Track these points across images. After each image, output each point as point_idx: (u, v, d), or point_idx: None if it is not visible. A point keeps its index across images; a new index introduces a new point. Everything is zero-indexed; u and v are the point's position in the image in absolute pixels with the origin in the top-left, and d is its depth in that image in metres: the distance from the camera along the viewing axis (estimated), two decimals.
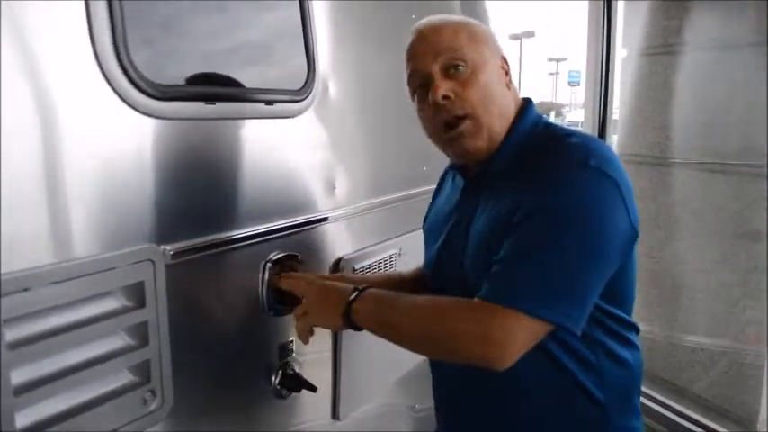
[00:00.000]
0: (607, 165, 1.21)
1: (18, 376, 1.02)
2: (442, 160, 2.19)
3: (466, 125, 1.31)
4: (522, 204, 1.22)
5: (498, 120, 1.34)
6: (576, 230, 1.18)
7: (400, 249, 2.05)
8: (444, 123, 1.33)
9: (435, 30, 1.35)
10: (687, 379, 3.41)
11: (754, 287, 3.11)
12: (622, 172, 1.24)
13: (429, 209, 1.66)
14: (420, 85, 1.35)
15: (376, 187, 1.99)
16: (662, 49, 3.42)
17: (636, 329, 1.40)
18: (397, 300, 1.31)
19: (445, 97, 1.30)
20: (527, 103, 1.41)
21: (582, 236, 1.18)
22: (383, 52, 1.97)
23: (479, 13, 2.60)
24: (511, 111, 1.37)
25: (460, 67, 1.31)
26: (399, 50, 2.07)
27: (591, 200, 1.20)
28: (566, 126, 1.39)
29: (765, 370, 3.10)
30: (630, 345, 1.37)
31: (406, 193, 2.09)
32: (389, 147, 2.05)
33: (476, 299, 1.20)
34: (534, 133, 1.36)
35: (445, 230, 1.45)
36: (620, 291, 1.31)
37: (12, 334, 1.01)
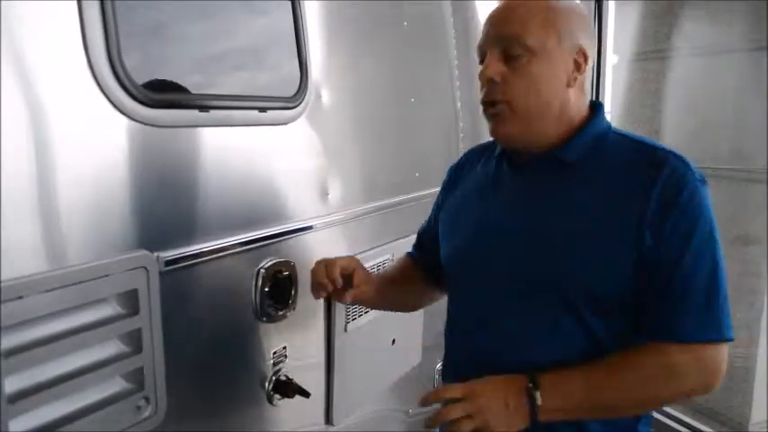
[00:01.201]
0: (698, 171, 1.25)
1: (12, 384, 1.02)
2: (433, 166, 2.21)
3: (501, 108, 1.29)
4: (663, 227, 1.20)
5: (541, 118, 1.30)
6: (719, 249, 1.23)
7: (393, 254, 2.05)
8: (485, 102, 1.32)
9: (511, 11, 1.31)
10: None
11: (746, 291, 3.13)
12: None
13: (442, 201, 1.60)
14: (482, 54, 1.33)
15: (369, 193, 1.99)
16: (653, 54, 3.44)
17: None
18: (592, 379, 1.23)
19: (490, 80, 1.28)
20: (599, 106, 1.38)
21: (717, 249, 1.23)
22: (376, 59, 1.98)
23: (470, 17, 2.62)
24: (566, 110, 1.32)
25: (518, 52, 1.26)
26: (392, 57, 2.09)
27: (711, 212, 1.24)
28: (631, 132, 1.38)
29: (756, 373, 3.12)
30: None
31: (399, 198, 2.10)
32: (382, 153, 2.06)
33: (668, 342, 1.21)
34: (611, 135, 1.34)
35: (495, 223, 1.38)
36: None
37: (6, 342, 1.01)
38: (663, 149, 1.26)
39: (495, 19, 1.32)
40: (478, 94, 1.33)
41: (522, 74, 1.27)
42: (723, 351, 1.21)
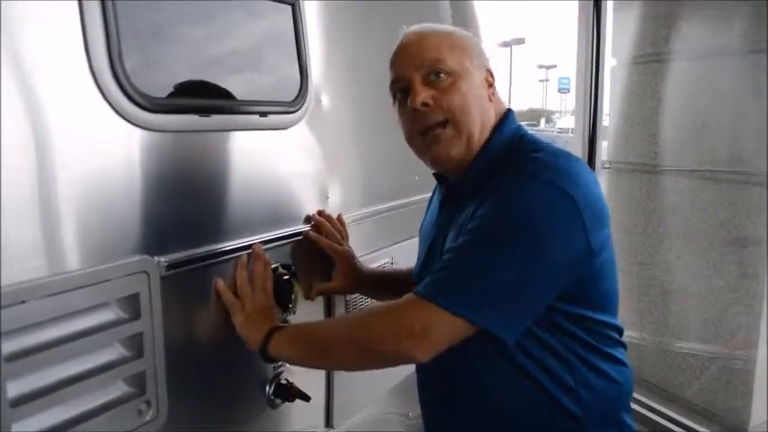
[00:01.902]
0: (565, 180, 1.21)
1: (15, 388, 1.02)
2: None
3: (445, 131, 1.33)
4: (474, 214, 1.25)
5: (479, 128, 1.35)
6: (514, 239, 1.19)
7: (392, 258, 2.06)
8: (421, 130, 1.35)
9: (419, 38, 1.38)
10: (678, 385, 3.43)
11: (744, 293, 3.13)
12: (586, 189, 1.23)
13: (424, 217, 1.70)
14: (401, 89, 1.38)
15: (368, 197, 2.00)
16: (651, 57, 3.45)
17: (623, 346, 1.40)
18: (319, 322, 1.43)
19: (424, 104, 1.32)
20: (506, 113, 1.42)
21: (520, 245, 1.19)
22: (375, 63, 1.98)
23: (469, 21, 2.62)
24: (491, 122, 1.39)
25: (441, 75, 1.32)
26: None
27: (537, 212, 1.20)
28: (541, 140, 1.39)
29: (755, 375, 3.12)
30: (615, 361, 1.36)
31: (399, 202, 2.11)
32: (382, 157, 2.06)
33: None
34: (510, 146, 1.37)
35: (430, 239, 1.48)
36: (593, 306, 1.31)
37: (8, 346, 1.01)
38: (523, 164, 1.28)
39: (408, 51, 1.39)
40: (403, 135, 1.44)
41: (451, 92, 1.33)
42: (433, 315, 1.18)
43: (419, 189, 2.13)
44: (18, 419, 1.03)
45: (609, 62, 3.63)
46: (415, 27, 1.42)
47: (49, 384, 1.08)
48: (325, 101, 1.73)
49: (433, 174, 1.56)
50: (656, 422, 3.28)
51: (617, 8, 3.58)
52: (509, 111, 1.43)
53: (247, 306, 1.41)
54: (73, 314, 1.12)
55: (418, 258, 1.56)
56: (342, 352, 1.32)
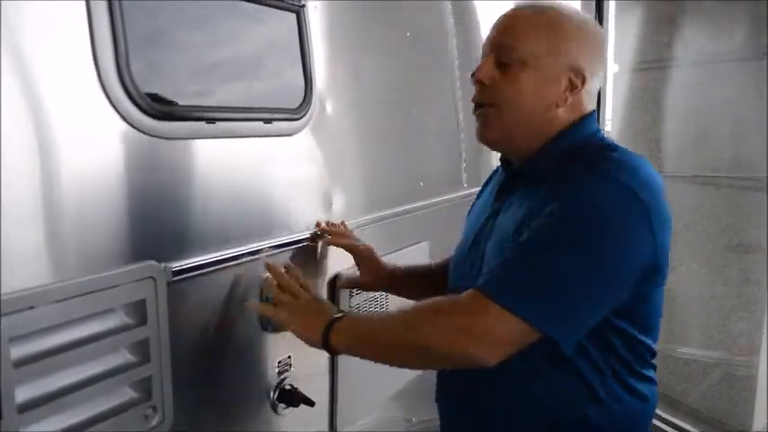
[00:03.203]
0: (640, 186, 1.15)
1: (22, 393, 1.03)
2: (437, 176, 2.22)
3: (487, 111, 1.32)
4: (542, 208, 1.18)
5: (522, 128, 1.31)
6: (583, 241, 1.14)
7: (397, 263, 2.06)
8: (474, 103, 1.35)
9: (512, 18, 1.33)
10: (681, 391, 3.43)
11: (746, 299, 3.14)
12: (659, 199, 1.18)
13: (473, 202, 1.65)
14: (483, 56, 1.35)
15: (372, 203, 2.00)
16: (653, 64, 3.46)
17: (654, 367, 1.35)
18: (380, 314, 1.31)
19: (480, 82, 1.32)
20: (587, 115, 1.35)
21: (589, 249, 1.14)
22: (379, 70, 2.00)
23: (472, 29, 2.64)
24: (549, 126, 1.31)
25: (511, 63, 1.29)
26: (395, 68, 2.10)
27: (608, 215, 1.14)
28: (617, 144, 1.32)
29: (757, 381, 3.12)
30: (647, 380, 1.32)
31: (403, 208, 2.11)
32: (386, 163, 2.07)
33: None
34: (585, 145, 1.31)
35: (478, 225, 1.43)
36: (641, 325, 1.28)
37: (16, 352, 1.02)
38: (596, 166, 1.21)
39: (498, 25, 1.35)
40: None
41: (510, 82, 1.29)
42: (496, 316, 1.12)
43: (423, 195, 2.14)
44: (25, 425, 1.04)
45: (611, 68, 3.64)
46: (523, 4, 1.36)
47: (56, 390, 1.09)
48: (330, 108, 1.74)
49: (500, 158, 1.51)
50: (659, 427, 3.28)
51: (619, 15, 3.58)
52: (591, 112, 1.36)
53: (294, 307, 1.36)
54: (80, 320, 1.13)
55: (461, 245, 1.50)
56: (402, 354, 1.26)
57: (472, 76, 1.34)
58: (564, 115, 1.31)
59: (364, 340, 1.29)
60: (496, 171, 1.59)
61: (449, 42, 2.46)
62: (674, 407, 3.41)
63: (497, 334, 1.13)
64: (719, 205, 3.19)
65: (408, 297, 1.71)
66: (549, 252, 1.15)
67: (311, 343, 1.31)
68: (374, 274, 1.69)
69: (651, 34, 3.48)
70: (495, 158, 2.93)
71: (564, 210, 1.16)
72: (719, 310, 3.23)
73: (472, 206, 1.63)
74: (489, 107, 1.32)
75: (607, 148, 1.28)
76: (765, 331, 3.07)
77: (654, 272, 1.21)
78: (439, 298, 1.23)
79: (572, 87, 1.30)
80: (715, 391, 3.30)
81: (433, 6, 2.41)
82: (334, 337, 1.27)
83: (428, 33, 2.36)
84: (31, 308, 1.03)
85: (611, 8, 3.51)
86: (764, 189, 3.01)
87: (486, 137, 1.36)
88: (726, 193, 3.19)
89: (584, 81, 1.30)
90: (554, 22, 1.30)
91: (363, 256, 1.69)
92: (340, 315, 1.30)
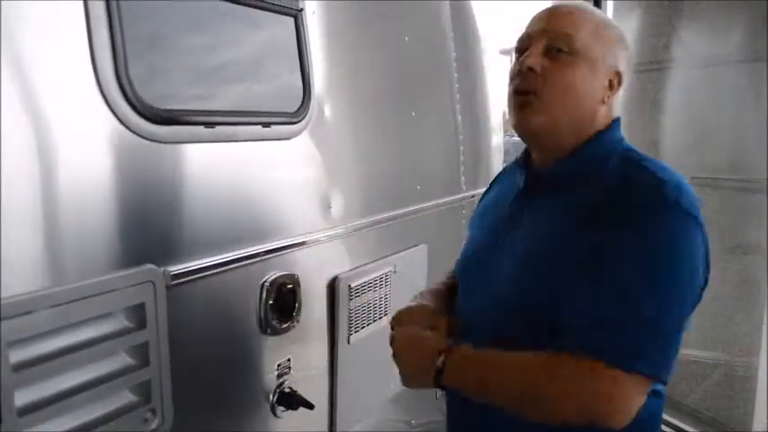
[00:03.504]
0: (694, 207, 1.18)
1: (22, 397, 1.04)
2: (435, 179, 2.22)
3: (531, 98, 1.27)
4: (610, 243, 1.16)
5: (570, 118, 1.29)
6: (672, 280, 1.14)
7: (395, 267, 2.07)
8: (519, 90, 1.30)
9: (565, 10, 1.31)
10: (680, 391, 3.43)
11: (746, 300, 3.14)
12: (700, 212, 1.20)
13: (479, 204, 1.62)
14: (520, 48, 1.33)
15: (370, 206, 2.01)
16: (651, 65, 3.47)
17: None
18: (496, 357, 1.21)
19: (531, 69, 1.27)
20: (615, 120, 1.36)
21: (678, 288, 1.15)
22: (377, 74, 2.00)
23: (470, 32, 2.64)
24: (591, 122, 1.31)
25: (563, 52, 1.26)
26: (393, 72, 2.11)
27: (684, 248, 1.16)
28: (643, 153, 1.33)
29: (757, 382, 3.12)
30: (656, 394, 1.30)
31: (401, 211, 2.11)
32: (384, 167, 2.08)
33: (584, 356, 1.13)
34: (614, 153, 1.30)
35: (495, 227, 1.40)
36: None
37: (16, 356, 1.03)
38: (653, 191, 1.19)
39: (548, 15, 1.32)
40: (505, 90, 1.34)
41: (562, 70, 1.26)
42: (633, 384, 1.11)
43: (421, 198, 2.15)
44: (25, 428, 1.04)
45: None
46: (565, 2, 1.35)
47: (55, 393, 1.10)
48: (328, 111, 1.75)
49: (515, 161, 1.48)
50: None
51: (616, 17, 3.59)
52: (618, 118, 1.37)
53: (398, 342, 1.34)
54: (79, 324, 1.14)
55: (471, 256, 1.47)
56: (520, 410, 1.21)
57: (518, 65, 1.29)
58: (604, 115, 1.32)
59: (478, 388, 1.24)
60: (503, 173, 1.59)
61: (447, 45, 2.47)
62: (675, 407, 3.40)
63: (636, 400, 1.13)
64: (718, 207, 3.18)
65: None
66: (649, 301, 1.13)
67: (419, 382, 1.30)
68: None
69: (649, 36, 3.48)
70: (493, 162, 2.94)
71: (646, 249, 1.15)
72: (719, 311, 3.22)
73: (478, 211, 1.59)
74: (534, 95, 1.27)
75: (650, 167, 1.26)
76: (765, 332, 3.08)
77: (702, 288, 1.25)
78: (552, 358, 1.16)
79: (611, 87, 1.31)
80: (715, 391, 3.30)
81: (431, 10, 2.42)
82: (445, 379, 1.23)
83: (426, 37, 2.37)
84: (30, 312, 1.03)
85: (608, 10, 3.52)
86: (763, 191, 3.01)
87: (530, 123, 1.29)
88: (725, 195, 3.18)
89: (620, 82, 1.32)
90: (604, 23, 1.31)
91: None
92: (446, 350, 1.24)
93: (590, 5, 1.35)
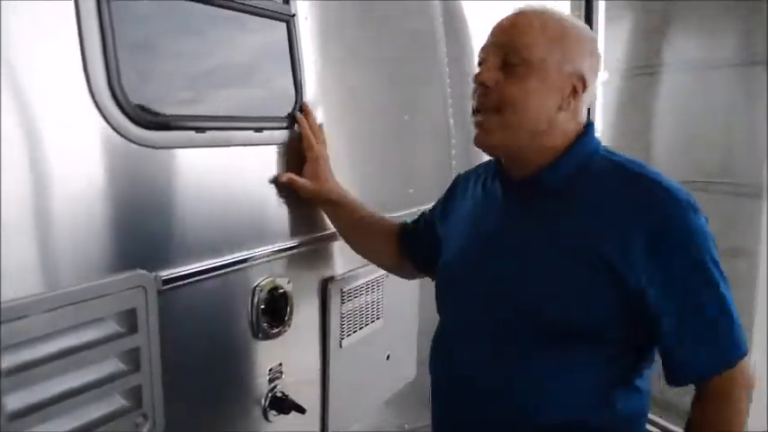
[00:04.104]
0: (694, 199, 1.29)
1: (13, 402, 1.04)
2: (427, 183, 2.23)
3: (489, 117, 1.29)
4: (656, 273, 1.22)
5: (527, 132, 1.29)
6: (718, 271, 1.26)
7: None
8: (474, 108, 1.32)
9: (525, 22, 1.30)
10: (675, 393, 3.42)
11: (738, 303, 3.14)
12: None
13: (442, 211, 1.65)
14: (479, 61, 1.33)
15: None
16: (643, 70, 3.48)
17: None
18: None
19: (483, 84, 1.28)
20: (589, 126, 1.36)
21: (720, 268, 1.27)
22: (369, 77, 2.01)
23: (463, 35, 2.65)
24: (553, 131, 1.31)
25: (518, 64, 1.26)
26: (385, 75, 2.11)
27: (712, 241, 1.27)
28: (622, 154, 1.37)
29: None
30: (639, 391, 1.36)
31: (394, 215, 2.11)
32: (377, 170, 2.08)
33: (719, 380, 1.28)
34: (598, 159, 1.33)
35: (482, 239, 1.41)
36: None
37: (7, 361, 1.02)
38: (655, 184, 1.26)
39: (503, 26, 1.32)
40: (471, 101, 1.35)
41: (516, 84, 1.26)
42: (746, 368, 1.27)
43: (414, 202, 2.15)
44: None
45: (601, 75, 3.65)
46: (529, 7, 1.33)
47: (46, 398, 1.09)
48: (320, 116, 1.75)
49: (486, 167, 1.53)
50: (650, 430, 3.28)
51: (608, 21, 3.60)
52: (591, 123, 1.38)
53: None
54: (71, 329, 1.13)
55: (452, 254, 1.48)
56: None
57: (474, 79, 1.31)
58: (566, 122, 1.31)
59: None
60: (460, 183, 1.63)
61: (439, 48, 2.48)
62: (669, 410, 3.40)
63: (751, 376, 1.31)
64: (710, 211, 3.15)
65: (336, 224, 1.76)
66: (713, 297, 1.26)
67: None
68: (317, 180, 1.65)
69: (641, 40, 3.50)
70: None
71: (692, 253, 1.24)
72: None
73: (447, 220, 1.61)
74: (492, 112, 1.28)
75: (647, 172, 1.31)
76: (756, 335, 3.09)
77: None
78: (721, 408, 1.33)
79: (574, 93, 1.31)
80: None
81: (422, 12, 2.42)
82: None
83: (418, 39, 2.37)
84: (21, 317, 1.03)
85: (600, 13, 3.53)
86: (754, 194, 3.02)
87: (488, 142, 1.31)
88: (717, 199, 3.20)
89: (585, 87, 1.31)
90: (560, 26, 1.30)
91: (313, 158, 1.65)
92: None
93: (555, 9, 1.34)
